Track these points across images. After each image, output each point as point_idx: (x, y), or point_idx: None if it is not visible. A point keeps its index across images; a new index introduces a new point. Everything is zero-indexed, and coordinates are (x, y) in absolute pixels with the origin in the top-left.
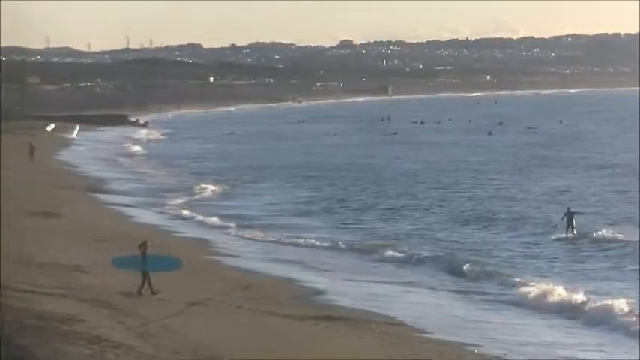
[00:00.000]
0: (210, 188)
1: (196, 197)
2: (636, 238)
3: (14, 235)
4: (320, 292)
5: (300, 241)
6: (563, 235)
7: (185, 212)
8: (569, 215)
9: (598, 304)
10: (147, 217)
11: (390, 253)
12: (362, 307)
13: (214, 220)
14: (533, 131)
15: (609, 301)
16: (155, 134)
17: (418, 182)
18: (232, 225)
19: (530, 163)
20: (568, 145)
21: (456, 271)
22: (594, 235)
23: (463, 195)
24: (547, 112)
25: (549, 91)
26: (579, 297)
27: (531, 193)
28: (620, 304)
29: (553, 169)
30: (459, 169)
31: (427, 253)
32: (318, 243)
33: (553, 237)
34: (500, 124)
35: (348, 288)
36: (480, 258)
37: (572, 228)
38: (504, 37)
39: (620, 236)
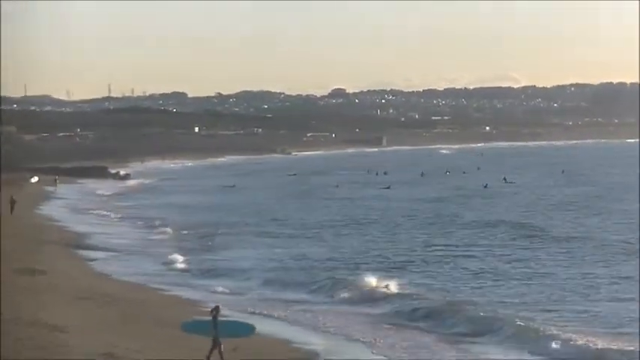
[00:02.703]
0: (195, 243)
1: (180, 252)
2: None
3: None
4: (314, 353)
5: (294, 305)
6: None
7: (167, 268)
8: None
9: None
10: (127, 273)
11: None
12: None
13: (200, 277)
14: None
15: None
16: (136, 187)
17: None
18: (218, 283)
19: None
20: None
21: None
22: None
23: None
24: (544, 165)
25: (556, 143)
26: None
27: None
28: None
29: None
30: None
31: None
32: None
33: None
34: (505, 180)
35: (342, 348)
36: None
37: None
38: (504, 85)
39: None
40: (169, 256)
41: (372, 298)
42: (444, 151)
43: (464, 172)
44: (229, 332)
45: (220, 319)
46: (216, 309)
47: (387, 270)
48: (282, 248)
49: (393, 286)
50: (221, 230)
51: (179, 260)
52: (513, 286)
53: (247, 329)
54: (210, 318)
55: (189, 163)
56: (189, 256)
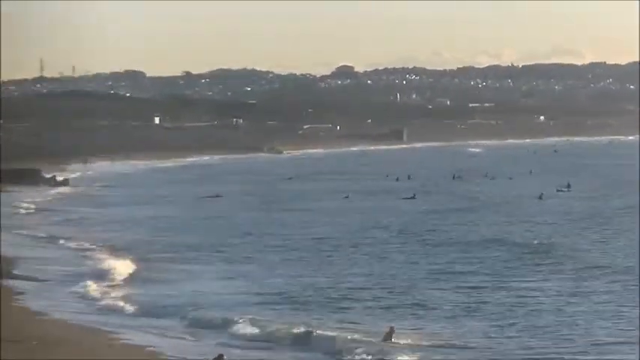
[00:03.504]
0: (137, 270)
1: (126, 285)
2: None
3: None
4: None
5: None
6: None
7: (110, 304)
8: None
9: None
10: (62, 310)
11: None
12: None
13: (141, 315)
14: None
15: None
16: (75, 196)
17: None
18: (175, 324)
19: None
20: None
21: None
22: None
23: None
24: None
25: (632, 138)
26: None
27: None
28: None
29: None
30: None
31: None
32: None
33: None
34: (568, 187)
35: None
36: None
37: None
38: (564, 62)
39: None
40: (103, 288)
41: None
42: (473, 149)
43: (510, 178)
44: None
45: None
46: (220, 358)
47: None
48: (251, 280)
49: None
50: (173, 254)
51: (113, 294)
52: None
53: None
54: None
55: (145, 165)
56: (128, 288)
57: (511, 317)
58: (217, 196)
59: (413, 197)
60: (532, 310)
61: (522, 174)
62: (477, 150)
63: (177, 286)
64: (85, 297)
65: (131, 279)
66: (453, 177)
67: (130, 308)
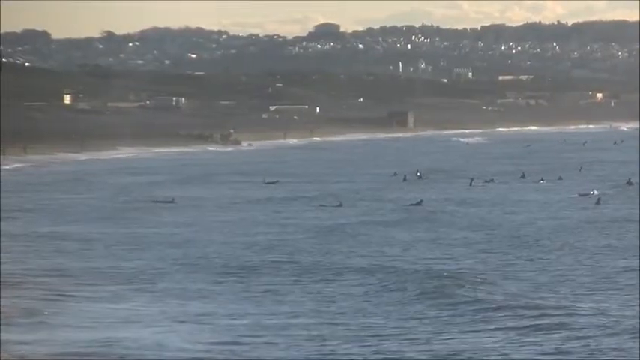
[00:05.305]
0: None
1: None
2: None
3: None
4: None
5: None
6: None
7: None
8: None
9: None
10: None
11: None
12: None
13: None
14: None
15: None
16: None
17: None
18: None
19: None
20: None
21: None
22: None
23: None
24: None
25: None
26: None
27: None
28: None
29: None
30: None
31: None
32: None
33: None
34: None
35: None
36: None
37: None
38: (632, 19)
39: None
40: None
41: None
42: (471, 139)
43: (559, 178)
44: None
45: None
46: None
47: None
48: None
49: None
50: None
51: None
52: None
53: None
54: None
55: (53, 161)
56: None
57: None
58: (172, 201)
59: (419, 204)
60: None
61: (569, 171)
62: (471, 140)
63: None
64: None
65: None
66: (471, 182)
67: None
